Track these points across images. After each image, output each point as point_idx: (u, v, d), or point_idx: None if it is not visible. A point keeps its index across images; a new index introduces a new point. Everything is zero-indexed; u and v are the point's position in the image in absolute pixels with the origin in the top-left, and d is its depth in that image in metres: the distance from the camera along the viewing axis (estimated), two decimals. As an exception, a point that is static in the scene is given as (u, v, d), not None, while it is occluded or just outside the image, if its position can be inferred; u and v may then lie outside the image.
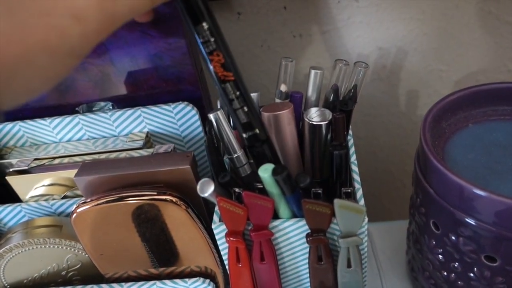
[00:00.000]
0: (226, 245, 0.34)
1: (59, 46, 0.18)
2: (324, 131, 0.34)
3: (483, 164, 0.35)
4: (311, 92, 0.37)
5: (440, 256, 0.35)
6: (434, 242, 0.35)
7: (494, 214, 0.30)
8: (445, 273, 0.36)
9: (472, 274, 0.33)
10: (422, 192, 0.35)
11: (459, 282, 0.35)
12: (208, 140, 0.34)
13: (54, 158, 0.41)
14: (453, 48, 0.51)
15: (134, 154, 0.40)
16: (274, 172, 0.29)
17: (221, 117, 0.32)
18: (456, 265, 0.34)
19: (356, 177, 0.35)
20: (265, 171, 0.30)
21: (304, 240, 0.33)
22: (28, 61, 0.17)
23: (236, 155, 0.33)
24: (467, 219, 0.31)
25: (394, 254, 0.49)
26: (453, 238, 0.33)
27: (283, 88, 0.37)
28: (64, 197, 0.41)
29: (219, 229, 0.34)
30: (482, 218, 0.30)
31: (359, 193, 0.33)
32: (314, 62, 0.53)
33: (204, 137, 0.42)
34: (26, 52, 0.17)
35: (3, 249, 0.39)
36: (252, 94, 0.37)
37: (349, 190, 0.33)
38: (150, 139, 0.42)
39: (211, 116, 0.32)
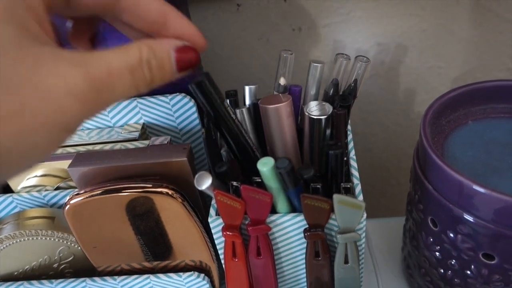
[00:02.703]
0: (222, 239, 0.34)
1: (58, 124, 0.17)
2: (323, 125, 0.33)
3: (482, 161, 0.34)
4: (310, 86, 0.37)
5: (437, 253, 0.35)
6: (431, 239, 0.35)
7: (493, 211, 0.29)
8: (442, 271, 0.36)
9: (469, 272, 0.33)
10: (420, 189, 0.35)
11: (455, 280, 0.35)
12: (206, 132, 0.34)
13: (47, 148, 0.41)
14: (452, 45, 0.51)
15: (129, 145, 0.39)
16: (277, 166, 0.29)
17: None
18: (453, 263, 0.34)
19: (355, 172, 0.34)
20: (264, 165, 0.30)
21: (302, 235, 0.33)
22: (25, 140, 0.17)
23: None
24: (465, 216, 0.31)
25: (389, 251, 0.49)
26: (451, 235, 0.33)
27: (282, 81, 0.37)
28: (57, 188, 0.40)
29: (216, 223, 0.33)
30: (481, 216, 0.30)
31: (358, 189, 0.33)
32: (313, 56, 0.52)
33: (202, 129, 0.41)
34: (24, 131, 0.16)
35: (-7, 240, 0.38)
36: (249, 87, 0.36)
37: (349, 186, 0.32)
38: (146, 131, 0.41)
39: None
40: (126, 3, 0.21)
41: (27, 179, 0.41)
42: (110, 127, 0.42)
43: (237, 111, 0.35)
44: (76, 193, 0.35)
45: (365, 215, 0.31)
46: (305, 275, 0.36)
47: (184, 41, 0.23)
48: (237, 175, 0.33)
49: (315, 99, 0.37)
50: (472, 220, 0.31)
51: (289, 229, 0.33)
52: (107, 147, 0.40)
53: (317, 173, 0.34)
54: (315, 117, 0.33)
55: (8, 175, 0.18)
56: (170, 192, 0.34)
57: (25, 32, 0.17)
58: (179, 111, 0.40)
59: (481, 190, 0.29)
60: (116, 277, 0.39)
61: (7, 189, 0.41)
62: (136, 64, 0.20)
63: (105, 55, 0.19)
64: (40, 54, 0.17)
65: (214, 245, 0.36)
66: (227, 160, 0.36)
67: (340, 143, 0.32)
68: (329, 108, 0.33)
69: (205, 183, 0.30)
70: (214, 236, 0.34)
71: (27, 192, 0.40)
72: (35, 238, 0.39)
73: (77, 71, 0.18)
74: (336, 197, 0.29)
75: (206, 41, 0.24)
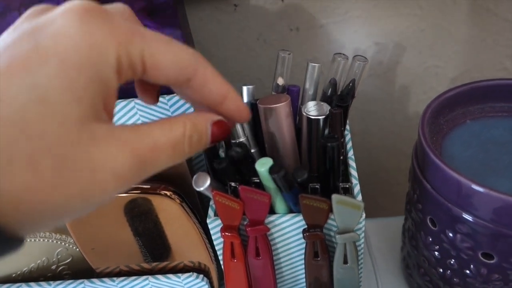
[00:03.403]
0: (221, 240, 0.34)
1: (95, 200, 0.19)
2: (321, 125, 0.33)
3: (480, 160, 0.34)
4: (308, 86, 0.37)
5: (436, 253, 0.35)
6: (430, 239, 0.35)
7: (492, 210, 0.29)
8: (441, 270, 0.36)
9: (468, 271, 0.33)
10: (419, 188, 0.35)
11: (454, 279, 0.35)
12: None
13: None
14: (450, 45, 0.51)
15: (127, 146, 0.39)
16: (271, 171, 0.29)
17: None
18: (452, 262, 0.34)
19: (354, 172, 0.34)
20: (262, 166, 0.30)
21: (300, 235, 0.33)
22: (65, 209, 0.18)
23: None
24: (464, 216, 0.31)
25: (388, 251, 0.49)
26: (450, 235, 0.33)
27: (280, 81, 0.37)
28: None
29: (214, 224, 0.33)
30: (479, 215, 0.30)
31: (356, 189, 0.33)
32: (310, 56, 0.52)
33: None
34: (66, 202, 0.18)
35: (-9, 242, 0.38)
36: (247, 87, 0.36)
37: (347, 186, 0.32)
38: (143, 132, 0.41)
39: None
40: (195, 84, 0.22)
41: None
42: (108, 128, 0.41)
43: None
44: (74, 194, 0.35)
45: (364, 215, 0.31)
46: (304, 275, 0.36)
47: (222, 116, 0.23)
48: (235, 174, 0.33)
49: (313, 99, 0.37)
50: (471, 220, 0.30)
51: (288, 230, 0.33)
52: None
53: (315, 173, 0.34)
54: (313, 117, 0.33)
55: (30, 234, 0.19)
56: (168, 193, 0.34)
57: (88, 111, 0.18)
58: (177, 111, 0.40)
59: (480, 189, 0.29)
60: (114, 278, 0.39)
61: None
62: (180, 140, 0.21)
63: (151, 131, 0.20)
64: (94, 133, 0.18)
65: (213, 246, 0.36)
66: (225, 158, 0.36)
67: (337, 135, 0.32)
68: (326, 108, 0.33)
69: (203, 184, 0.30)
70: (213, 237, 0.34)
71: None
72: (33, 240, 0.39)
73: (124, 151, 0.19)
74: (334, 197, 0.29)
75: (250, 114, 0.25)
